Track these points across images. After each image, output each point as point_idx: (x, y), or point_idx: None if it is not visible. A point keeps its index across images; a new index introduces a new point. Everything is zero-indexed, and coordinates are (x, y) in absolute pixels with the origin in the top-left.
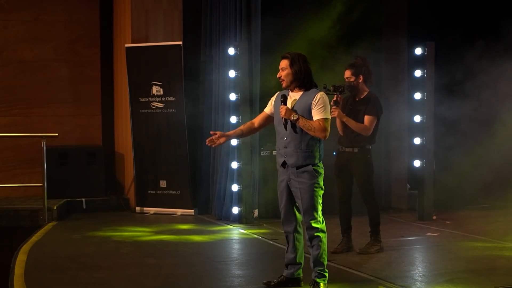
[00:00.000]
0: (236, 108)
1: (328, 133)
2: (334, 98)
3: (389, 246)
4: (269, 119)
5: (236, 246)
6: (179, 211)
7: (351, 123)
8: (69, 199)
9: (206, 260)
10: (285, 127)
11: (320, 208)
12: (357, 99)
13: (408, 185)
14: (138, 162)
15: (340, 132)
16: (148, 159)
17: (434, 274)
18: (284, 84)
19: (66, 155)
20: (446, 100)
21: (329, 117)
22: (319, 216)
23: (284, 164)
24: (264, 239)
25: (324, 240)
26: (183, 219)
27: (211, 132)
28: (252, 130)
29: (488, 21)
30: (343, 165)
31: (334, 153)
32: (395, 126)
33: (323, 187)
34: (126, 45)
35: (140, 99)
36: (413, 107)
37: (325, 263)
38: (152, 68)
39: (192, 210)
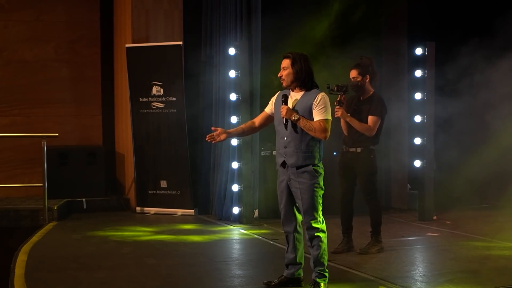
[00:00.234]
0: (236, 108)
1: (328, 134)
2: (338, 98)
3: (389, 246)
4: (270, 119)
5: (236, 246)
6: (180, 211)
7: (355, 123)
8: (69, 199)
9: (207, 260)
10: (286, 127)
11: (320, 208)
12: (361, 99)
13: (408, 185)
14: (138, 162)
15: (345, 132)
16: (149, 159)
17: (434, 274)
18: (284, 84)
19: (66, 155)
20: (446, 100)
21: (330, 117)
22: (319, 216)
23: (283, 164)
24: (264, 239)
25: (325, 240)
26: (184, 219)
27: (212, 128)
28: (253, 130)
29: (488, 21)
30: (346, 165)
31: (335, 153)
32: (395, 126)
33: (323, 187)
34: (127, 45)
35: (141, 99)
36: (414, 107)
37: (326, 263)
38: (152, 68)
39: (193, 210)
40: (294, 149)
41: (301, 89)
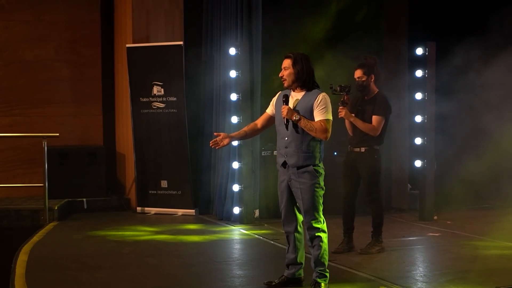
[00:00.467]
0: (237, 108)
1: (329, 134)
2: (342, 98)
3: (390, 246)
4: (271, 120)
5: (237, 246)
6: (180, 211)
7: (359, 123)
8: (70, 199)
9: (207, 260)
10: (286, 127)
11: (321, 208)
12: (366, 99)
13: (409, 185)
14: (139, 162)
15: (350, 132)
16: (149, 159)
17: (435, 274)
18: (285, 84)
19: (67, 155)
20: (446, 100)
21: (331, 118)
22: (320, 216)
23: (284, 164)
24: (265, 239)
25: (325, 240)
26: (184, 219)
27: (214, 134)
28: (255, 132)
29: (488, 21)
30: (350, 165)
31: (335, 153)
32: (395, 126)
33: (324, 187)
34: (127, 45)
35: (141, 99)
36: (414, 107)
37: (326, 263)
38: (153, 68)
39: (193, 210)
40: (295, 149)
41: (302, 89)
